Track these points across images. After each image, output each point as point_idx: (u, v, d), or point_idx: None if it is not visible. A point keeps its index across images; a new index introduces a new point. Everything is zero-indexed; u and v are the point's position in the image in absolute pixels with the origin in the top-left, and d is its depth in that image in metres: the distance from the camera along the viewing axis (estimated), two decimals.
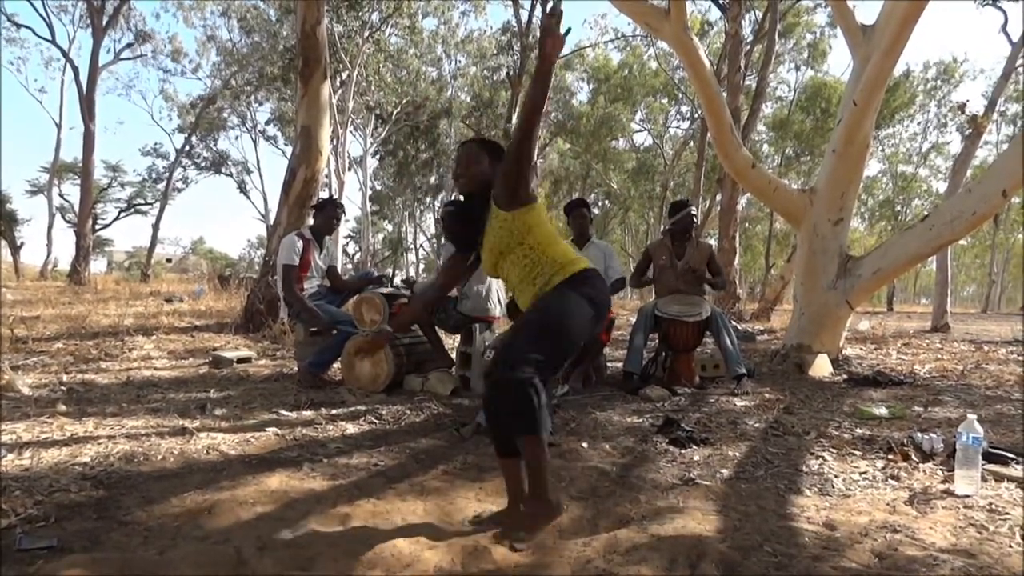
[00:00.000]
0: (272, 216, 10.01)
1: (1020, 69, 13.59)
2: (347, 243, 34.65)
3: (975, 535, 2.13)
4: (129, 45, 22.12)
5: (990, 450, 2.82)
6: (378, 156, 27.78)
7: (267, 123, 27.78)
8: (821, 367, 5.41)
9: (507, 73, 20.53)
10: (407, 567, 1.90)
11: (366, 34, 18.84)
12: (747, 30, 14.28)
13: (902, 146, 28.83)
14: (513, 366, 1.97)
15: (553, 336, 2.07)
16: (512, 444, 2.10)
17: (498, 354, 2.08)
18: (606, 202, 32.82)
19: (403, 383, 4.54)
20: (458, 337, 4.84)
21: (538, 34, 2.23)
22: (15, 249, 23.93)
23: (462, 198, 2.46)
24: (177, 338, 6.67)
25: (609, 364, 5.48)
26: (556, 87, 20.81)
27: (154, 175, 28.53)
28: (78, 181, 20.29)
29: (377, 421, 3.68)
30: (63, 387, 4.33)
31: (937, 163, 29.29)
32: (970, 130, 11.55)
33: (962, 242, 26.01)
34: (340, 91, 18.90)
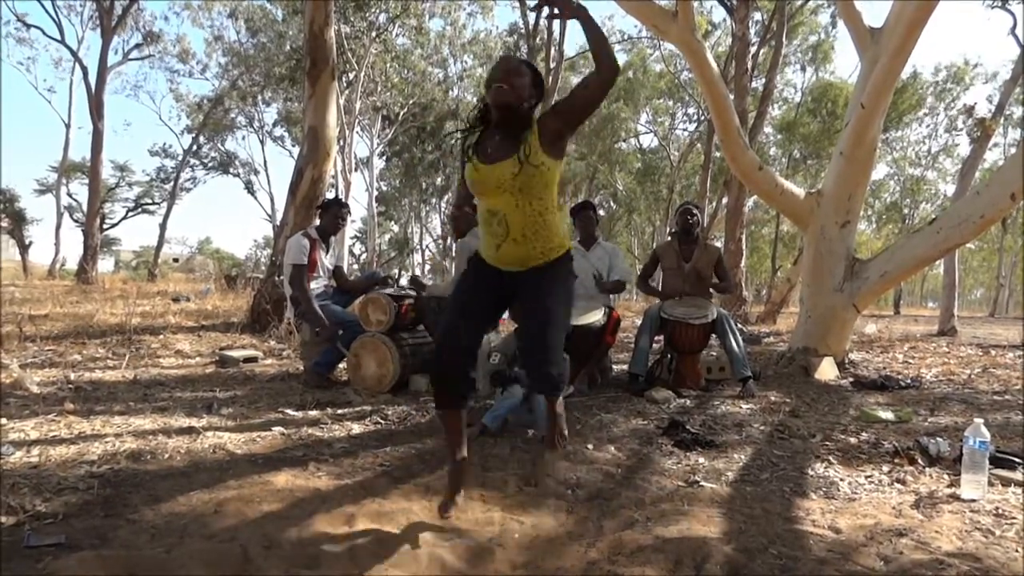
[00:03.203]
0: (279, 216, 10.05)
1: None
2: (353, 244, 34.73)
3: (981, 539, 2.12)
4: (138, 45, 22.27)
5: (997, 454, 2.81)
6: (384, 157, 27.82)
7: (274, 124, 27.86)
8: (827, 370, 5.40)
9: None
10: (412, 567, 1.90)
11: (373, 35, 18.88)
12: (752, 31, 14.23)
13: (910, 149, 28.70)
14: (562, 376, 2.21)
15: (567, 319, 2.27)
16: (460, 395, 2.24)
17: (549, 356, 2.15)
18: (612, 204, 32.76)
19: (409, 383, 4.55)
20: None
21: (547, 18, 2.17)
22: (23, 248, 24.07)
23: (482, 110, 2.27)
24: (184, 337, 6.70)
25: (614, 366, 5.48)
26: (561, 89, 20.74)
27: (162, 175, 28.68)
28: (86, 181, 20.39)
29: (383, 421, 3.69)
30: (71, 385, 4.36)
31: (945, 166, 29.11)
32: (978, 133, 11.48)
33: (970, 245, 25.78)
34: (347, 92, 18.93)
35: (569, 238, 2.33)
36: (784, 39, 14.97)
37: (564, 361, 2.18)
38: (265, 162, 42.17)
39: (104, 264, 27.85)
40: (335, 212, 4.91)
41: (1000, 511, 2.35)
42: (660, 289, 5.25)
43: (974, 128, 11.57)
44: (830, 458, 3.07)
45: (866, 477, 2.79)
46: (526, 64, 2.23)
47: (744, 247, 12.96)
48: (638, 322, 5.24)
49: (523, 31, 19.16)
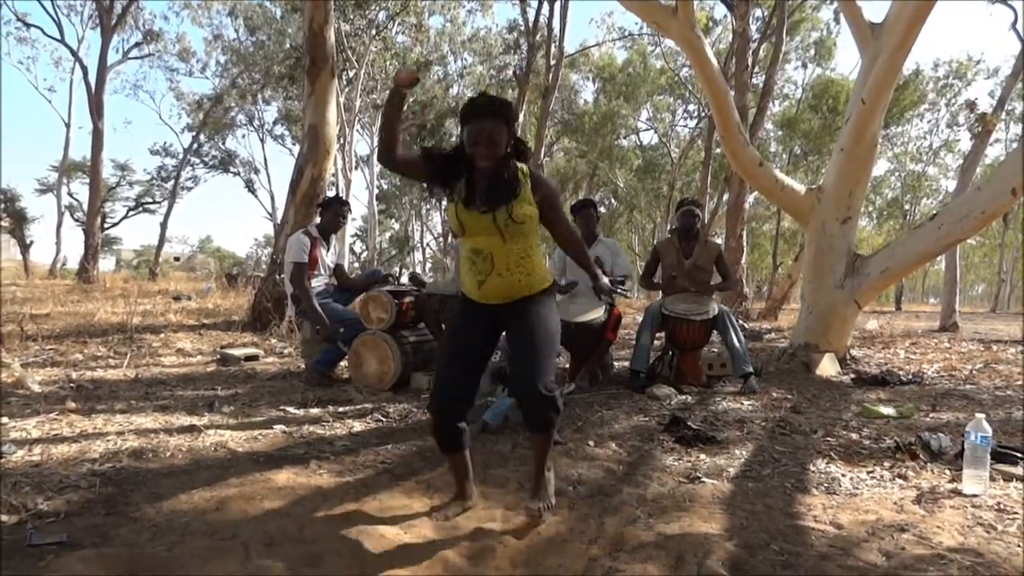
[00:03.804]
0: (279, 215, 10.06)
1: None
2: (354, 242, 34.71)
3: (983, 534, 2.12)
4: (137, 44, 22.25)
5: (999, 449, 2.81)
6: None
7: (274, 122, 27.83)
8: (828, 366, 5.39)
9: (514, 72, 20.48)
10: (414, 564, 1.90)
11: (373, 32, 18.85)
12: (752, 28, 14.20)
13: (911, 145, 28.63)
14: (552, 390, 2.14)
15: (556, 345, 2.29)
16: (458, 442, 2.28)
17: (538, 379, 2.12)
18: (613, 201, 32.73)
19: (410, 381, 4.55)
20: None
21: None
22: (24, 247, 24.05)
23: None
24: (185, 336, 6.70)
25: (616, 362, 5.48)
26: (561, 86, 20.70)
27: (163, 174, 28.64)
28: (87, 180, 20.36)
29: (384, 419, 3.69)
30: (72, 384, 4.36)
31: (947, 161, 29.03)
32: (980, 129, 11.45)
33: (971, 241, 25.77)
34: (347, 90, 18.91)
35: (551, 276, 2.36)
36: (785, 35, 14.93)
37: (558, 396, 2.15)
38: (265, 160, 42.13)
39: (105, 263, 27.90)
40: (335, 210, 4.91)
41: (1002, 506, 2.35)
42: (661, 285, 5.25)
43: (975, 124, 11.52)
44: (831, 454, 3.07)
45: (868, 473, 2.79)
46: (503, 120, 2.16)
47: (745, 244, 12.95)
48: (639, 319, 5.24)
49: (522, 28, 19.12)
